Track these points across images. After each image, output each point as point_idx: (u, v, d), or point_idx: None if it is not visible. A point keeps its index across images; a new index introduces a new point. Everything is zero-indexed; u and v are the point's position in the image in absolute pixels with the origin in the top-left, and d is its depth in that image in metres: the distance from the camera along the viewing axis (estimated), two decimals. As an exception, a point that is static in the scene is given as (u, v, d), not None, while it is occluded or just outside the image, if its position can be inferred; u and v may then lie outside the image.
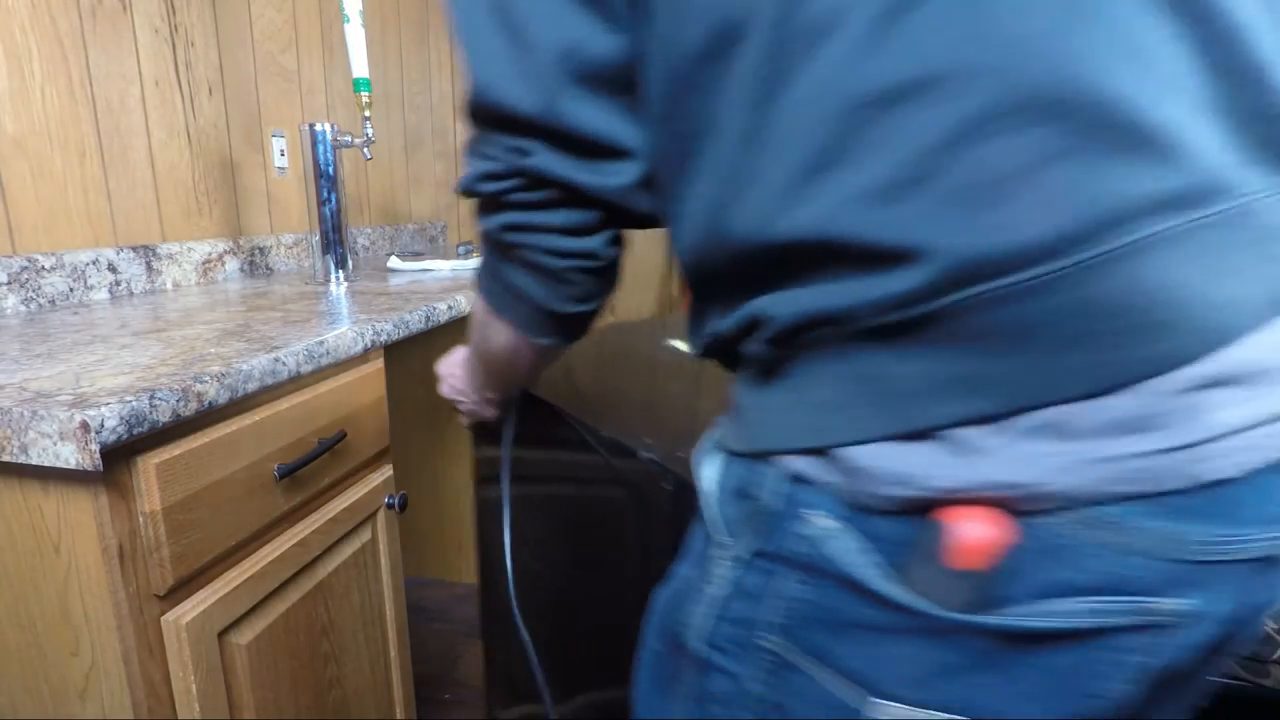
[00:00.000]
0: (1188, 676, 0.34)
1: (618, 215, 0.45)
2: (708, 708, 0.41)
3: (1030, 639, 0.32)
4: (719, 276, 0.39)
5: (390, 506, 1.01)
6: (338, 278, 1.36)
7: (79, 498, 0.59)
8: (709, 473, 0.43)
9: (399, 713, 1.08)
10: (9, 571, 0.63)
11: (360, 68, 1.28)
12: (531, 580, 0.79)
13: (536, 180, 0.42)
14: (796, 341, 0.35)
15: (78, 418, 0.54)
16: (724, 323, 0.40)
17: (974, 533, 0.31)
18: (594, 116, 0.40)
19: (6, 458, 0.56)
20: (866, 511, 0.34)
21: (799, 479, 0.36)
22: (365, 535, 0.97)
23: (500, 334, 0.54)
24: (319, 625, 0.87)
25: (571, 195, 0.43)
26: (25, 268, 1.03)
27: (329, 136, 1.31)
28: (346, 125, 1.83)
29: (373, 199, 2.04)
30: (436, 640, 1.65)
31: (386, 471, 1.02)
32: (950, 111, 0.29)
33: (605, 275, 0.49)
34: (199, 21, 1.35)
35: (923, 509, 0.32)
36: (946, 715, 0.33)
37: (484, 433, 0.83)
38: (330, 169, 1.32)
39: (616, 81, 0.40)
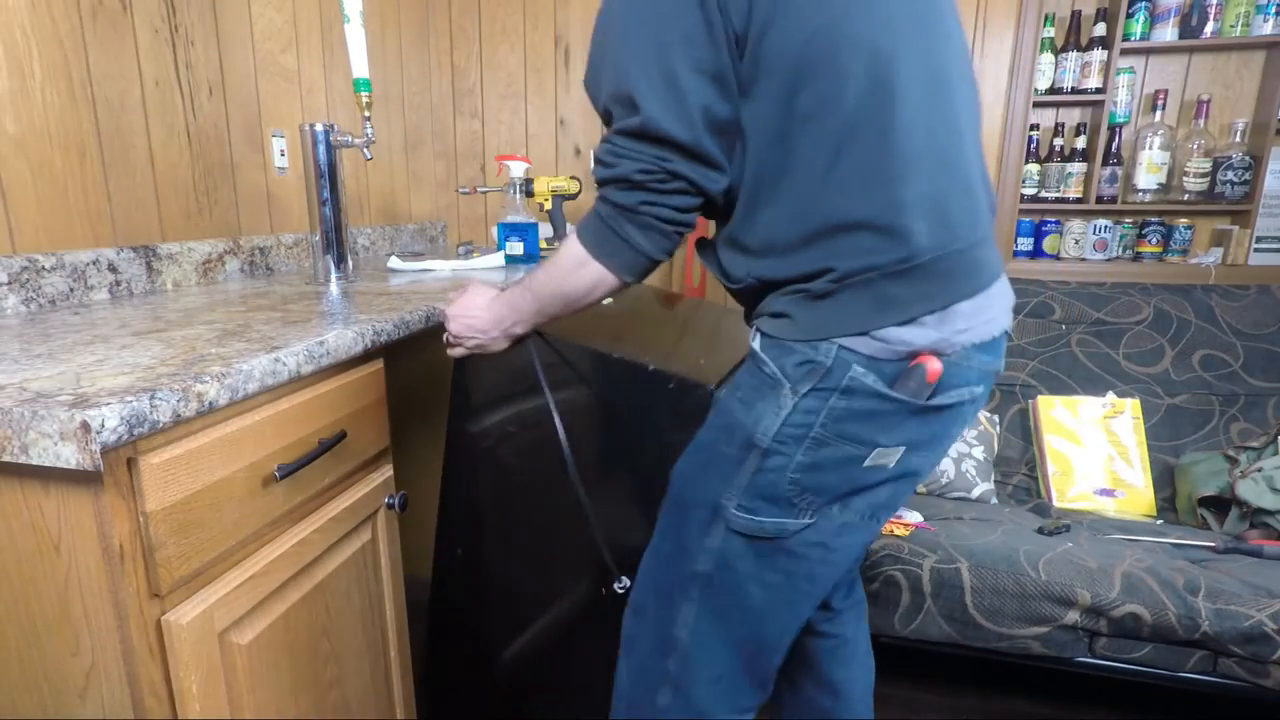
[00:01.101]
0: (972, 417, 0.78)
1: (707, 204, 0.76)
2: (763, 474, 0.73)
3: (942, 408, 0.72)
4: (795, 246, 0.70)
5: (390, 506, 1.01)
6: (338, 278, 1.36)
7: (79, 498, 0.59)
8: (772, 352, 0.73)
9: (399, 713, 1.08)
10: (9, 571, 0.63)
11: (360, 68, 1.28)
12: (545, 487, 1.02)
13: (673, 176, 0.71)
14: (848, 280, 0.68)
15: (78, 418, 0.54)
16: (787, 271, 0.71)
17: (934, 366, 0.69)
18: (715, 147, 0.71)
19: (7, 458, 0.56)
20: (877, 361, 0.69)
21: (845, 349, 0.69)
22: (365, 535, 0.97)
23: (592, 273, 0.78)
24: (319, 625, 0.87)
25: (690, 188, 0.72)
26: (25, 268, 1.03)
27: (329, 136, 1.31)
28: (346, 125, 1.83)
29: (373, 199, 2.04)
30: (436, 640, 1.65)
31: (386, 471, 1.02)
32: (926, 184, 0.69)
33: (682, 238, 0.78)
34: (199, 21, 1.35)
35: (908, 356, 0.69)
36: (900, 449, 0.72)
37: (466, 366, 1.02)
38: (330, 169, 1.32)
39: (725, 131, 0.71)
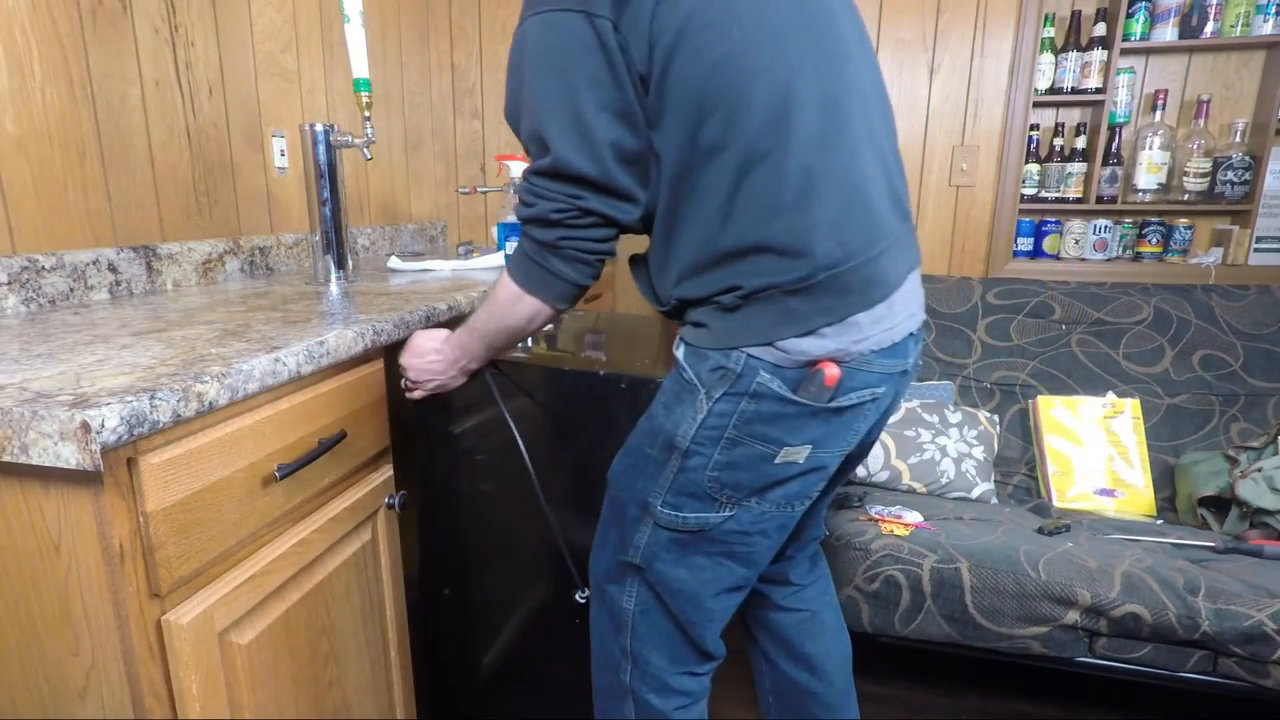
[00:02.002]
0: (876, 422, 0.84)
1: (623, 231, 0.81)
2: (684, 474, 0.80)
3: (841, 410, 0.77)
4: (705, 268, 0.76)
5: (390, 506, 1.01)
6: (338, 278, 1.36)
7: (79, 498, 0.59)
8: (690, 359, 0.79)
9: (399, 713, 1.08)
10: (9, 571, 0.63)
11: (360, 68, 1.28)
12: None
13: (586, 213, 0.76)
14: (753, 296, 0.74)
15: (78, 418, 0.54)
16: (700, 290, 0.77)
17: (832, 371, 0.73)
18: (627, 179, 0.76)
19: (7, 458, 0.56)
20: (781, 369, 0.75)
21: (753, 357, 0.75)
22: (365, 535, 0.97)
23: (528, 306, 0.83)
24: (319, 625, 0.87)
25: (605, 221, 0.78)
26: (25, 268, 1.03)
27: (329, 136, 1.31)
28: (346, 125, 1.83)
29: (373, 199, 2.04)
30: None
31: (386, 471, 1.02)
32: (824, 209, 0.73)
33: (605, 263, 0.83)
34: (199, 21, 1.35)
35: (809, 364, 0.74)
36: (808, 446, 0.78)
37: (429, 405, 1.05)
38: (330, 169, 1.32)
39: (638, 161, 0.76)
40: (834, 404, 0.76)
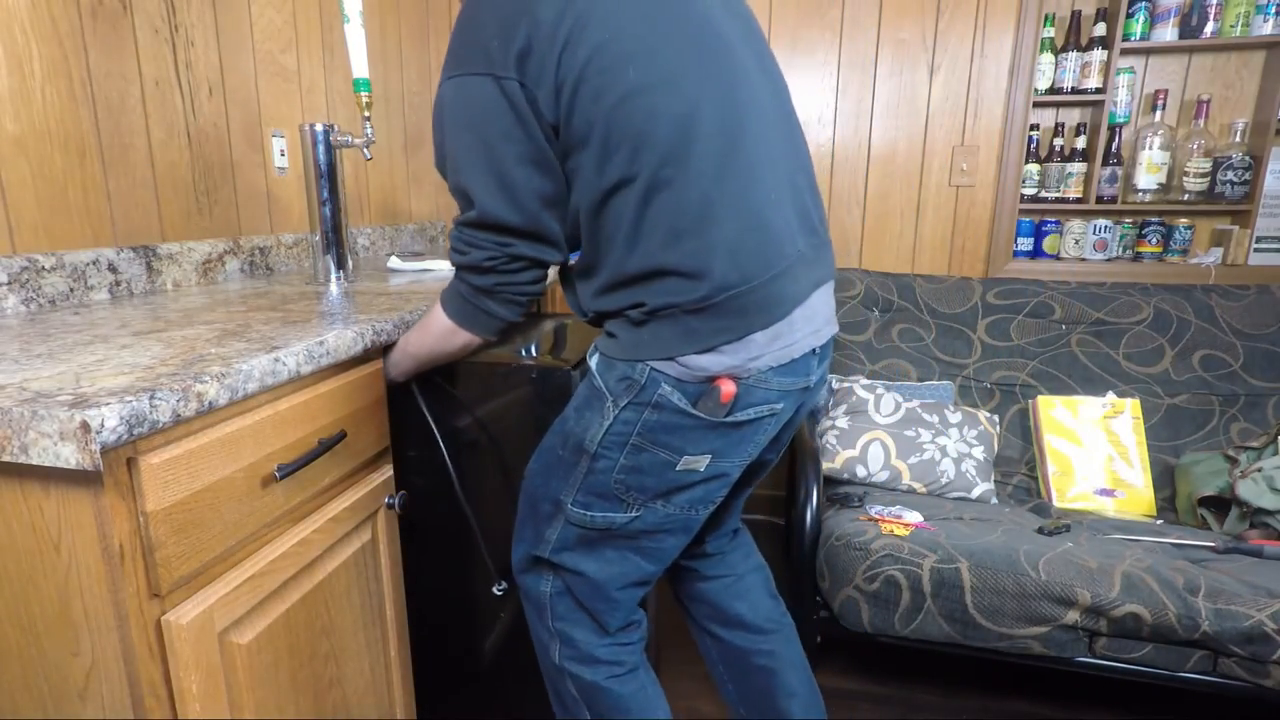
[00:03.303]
0: (775, 438, 0.92)
1: (549, 270, 0.88)
2: (593, 475, 0.85)
3: (739, 424, 0.81)
4: (616, 286, 0.81)
5: (390, 506, 1.01)
6: (338, 278, 1.36)
7: (79, 498, 0.59)
8: (601, 367, 0.84)
9: (399, 713, 1.08)
10: (9, 571, 0.63)
11: (360, 68, 1.28)
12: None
13: (516, 258, 0.83)
14: (656, 314, 0.78)
15: (78, 418, 0.54)
16: (612, 305, 0.82)
17: (728, 388, 0.78)
18: (551, 222, 0.82)
19: (6, 458, 0.56)
20: (682, 382, 0.79)
21: (656, 370, 0.79)
22: (365, 535, 0.97)
23: (462, 339, 0.91)
24: (319, 625, 0.87)
25: (534, 264, 0.85)
26: (25, 268, 1.03)
27: (329, 136, 1.31)
28: (346, 125, 1.83)
29: (373, 199, 2.04)
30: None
31: (386, 471, 1.02)
32: (722, 231, 0.77)
33: (533, 302, 0.91)
34: (199, 21, 1.35)
35: (708, 380, 0.78)
36: (708, 456, 0.82)
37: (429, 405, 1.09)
38: (330, 169, 1.32)
39: (557, 204, 0.82)
40: (731, 419, 0.80)
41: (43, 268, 1.06)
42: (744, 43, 0.82)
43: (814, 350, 0.84)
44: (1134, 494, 1.69)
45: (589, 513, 0.87)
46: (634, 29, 0.74)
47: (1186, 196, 1.93)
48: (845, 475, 1.70)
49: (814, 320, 0.83)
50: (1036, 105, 2.01)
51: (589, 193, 0.78)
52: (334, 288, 1.29)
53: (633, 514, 0.86)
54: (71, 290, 1.10)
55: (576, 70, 0.73)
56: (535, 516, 0.93)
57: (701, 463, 0.83)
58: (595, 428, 0.83)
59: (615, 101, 0.73)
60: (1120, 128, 1.98)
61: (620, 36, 0.74)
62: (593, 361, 0.86)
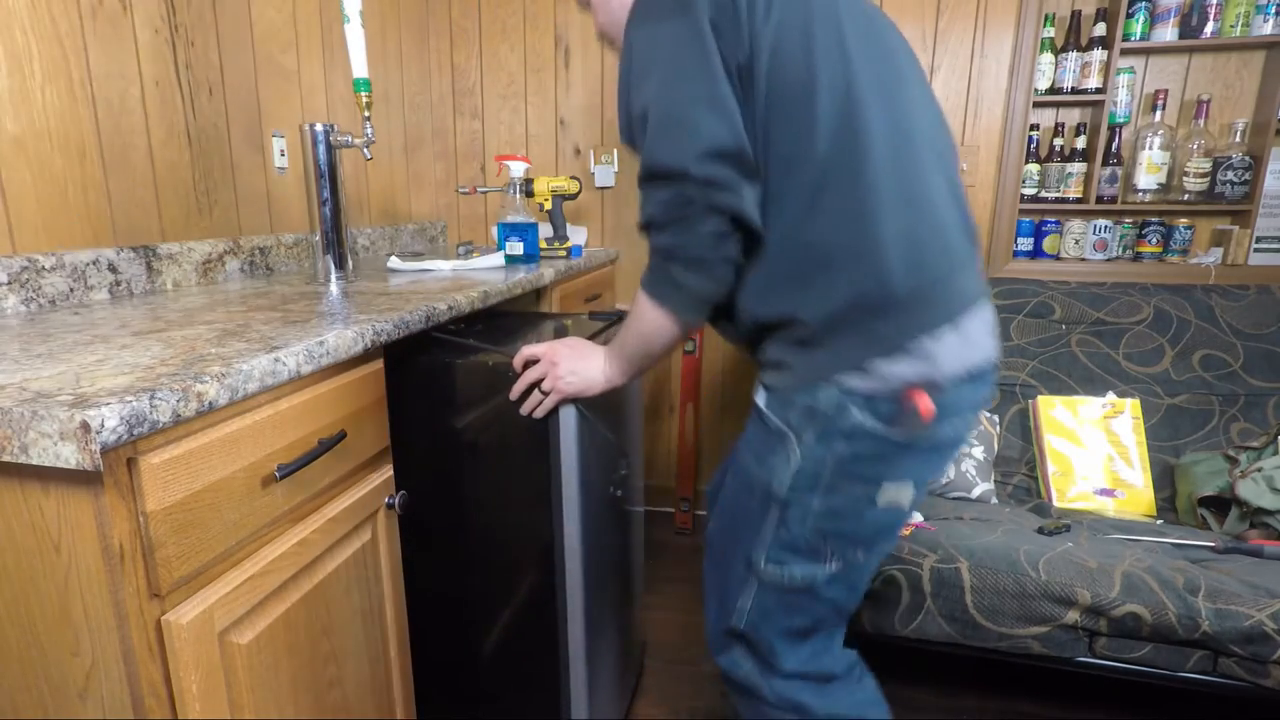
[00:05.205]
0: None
1: (740, 226, 0.77)
2: (786, 527, 0.79)
3: (939, 445, 0.76)
4: (780, 283, 0.76)
5: (390, 506, 1.01)
6: (338, 278, 1.36)
7: (79, 498, 0.59)
8: (774, 405, 0.78)
9: (399, 713, 1.08)
10: (9, 571, 0.63)
11: (360, 68, 1.28)
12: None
13: (689, 202, 0.73)
14: (833, 324, 0.74)
15: (78, 418, 0.54)
16: (779, 309, 0.76)
17: (926, 403, 0.72)
18: (728, 170, 0.73)
19: (6, 458, 0.56)
20: (873, 400, 0.72)
21: (842, 392, 0.73)
22: (365, 535, 0.97)
23: (657, 320, 0.82)
24: (319, 625, 0.87)
25: (711, 210, 0.73)
26: (25, 268, 1.03)
27: (329, 136, 1.31)
28: (346, 125, 1.83)
29: (373, 199, 2.04)
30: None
31: (386, 471, 1.02)
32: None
33: (731, 272, 0.79)
34: (199, 21, 1.35)
35: (900, 392, 0.72)
36: (909, 484, 0.77)
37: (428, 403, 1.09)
38: (330, 169, 1.32)
39: (737, 157, 0.73)
40: (931, 436, 0.74)
41: (43, 268, 1.06)
42: (902, 47, 0.82)
43: (991, 364, 0.79)
44: (1134, 494, 1.69)
45: (787, 568, 0.80)
46: (821, 14, 0.74)
47: (1186, 196, 1.93)
48: (845, 475, 1.69)
49: (987, 326, 0.78)
50: (1036, 105, 2.01)
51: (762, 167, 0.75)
52: (334, 288, 1.29)
53: (832, 568, 0.79)
54: (71, 290, 1.10)
55: (768, 36, 0.72)
56: (725, 583, 0.86)
57: (905, 494, 0.77)
58: (782, 471, 0.77)
59: (793, 80, 0.72)
60: (1120, 128, 1.98)
61: (809, 20, 0.73)
62: (761, 400, 0.80)
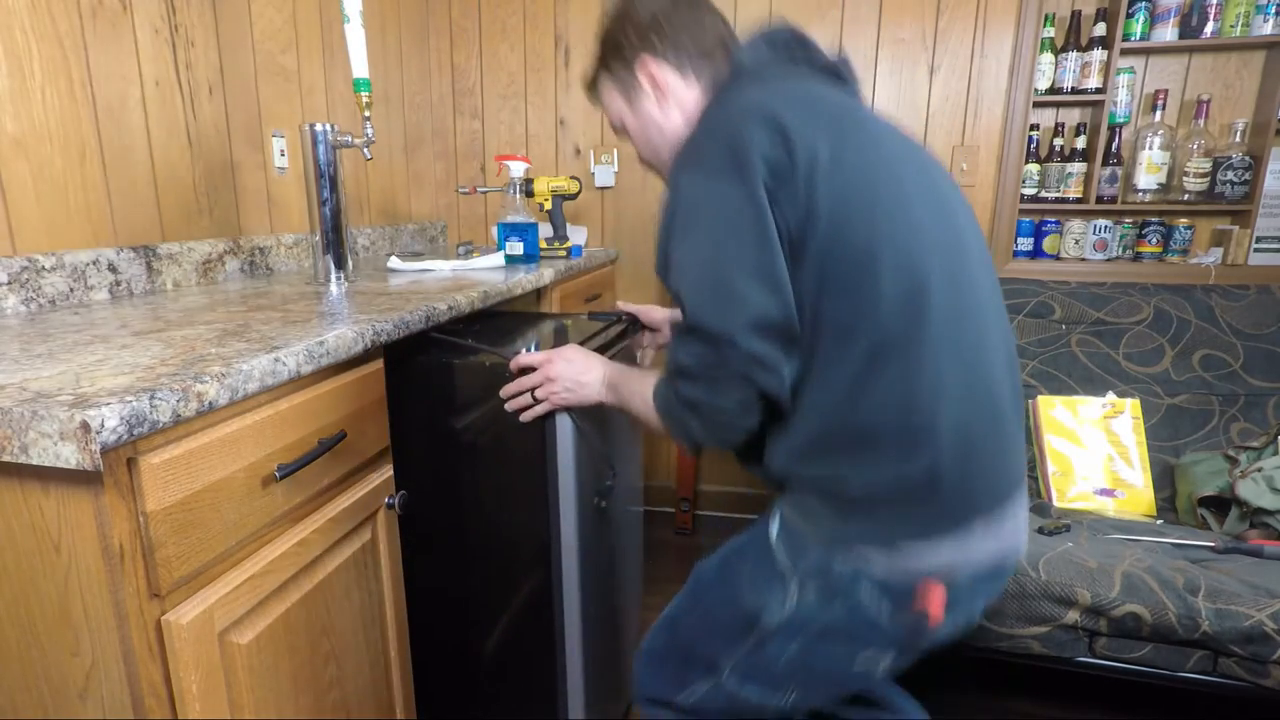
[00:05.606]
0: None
1: (767, 400, 0.75)
2: (757, 656, 0.77)
3: (933, 636, 0.74)
4: (824, 446, 0.73)
5: (390, 506, 1.01)
6: (338, 278, 1.36)
7: (79, 498, 0.59)
8: (787, 543, 0.76)
9: (399, 713, 1.08)
10: (9, 571, 0.63)
11: (360, 68, 1.28)
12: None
13: (723, 365, 0.72)
14: (871, 494, 0.71)
15: (78, 418, 0.54)
16: (814, 471, 0.74)
17: (937, 608, 0.71)
18: (767, 346, 0.71)
19: (6, 458, 0.56)
20: (888, 585, 0.70)
21: (863, 567, 0.70)
22: (365, 535, 0.97)
23: (662, 428, 0.83)
24: (319, 625, 0.87)
25: (745, 380, 0.71)
26: (25, 268, 1.03)
27: (329, 136, 1.31)
28: (346, 125, 1.83)
29: (373, 199, 2.04)
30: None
31: (386, 472, 1.02)
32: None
33: (742, 437, 0.78)
34: (199, 21, 1.35)
35: (915, 583, 0.71)
36: (890, 654, 0.75)
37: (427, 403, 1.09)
38: (330, 169, 1.32)
39: (783, 330, 0.71)
40: (930, 632, 0.73)
41: (43, 268, 1.06)
42: (963, 208, 0.79)
43: (1017, 557, 0.77)
44: (1134, 494, 1.69)
45: (742, 691, 0.80)
46: (884, 176, 0.71)
47: (1186, 196, 1.93)
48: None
49: (1022, 519, 0.76)
50: (1036, 105, 2.01)
51: (810, 331, 0.71)
52: (334, 288, 1.29)
53: (788, 700, 0.79)
54: (71, 290, 1.10)
55: (828, 201, 0.68)
56: (685, 660, 0.85)
57: (885, 659, 0.75)
58: (774, 609, 0.75)
59: (858, 244, 0.69)
60: (1120, 128, 1.98)
61: (873, 183, 0.70)
62: (773, 531, 0.77)
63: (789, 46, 0.83)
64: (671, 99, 0.87)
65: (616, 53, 0.90)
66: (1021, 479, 0.77)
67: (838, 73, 0.84)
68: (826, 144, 0.69)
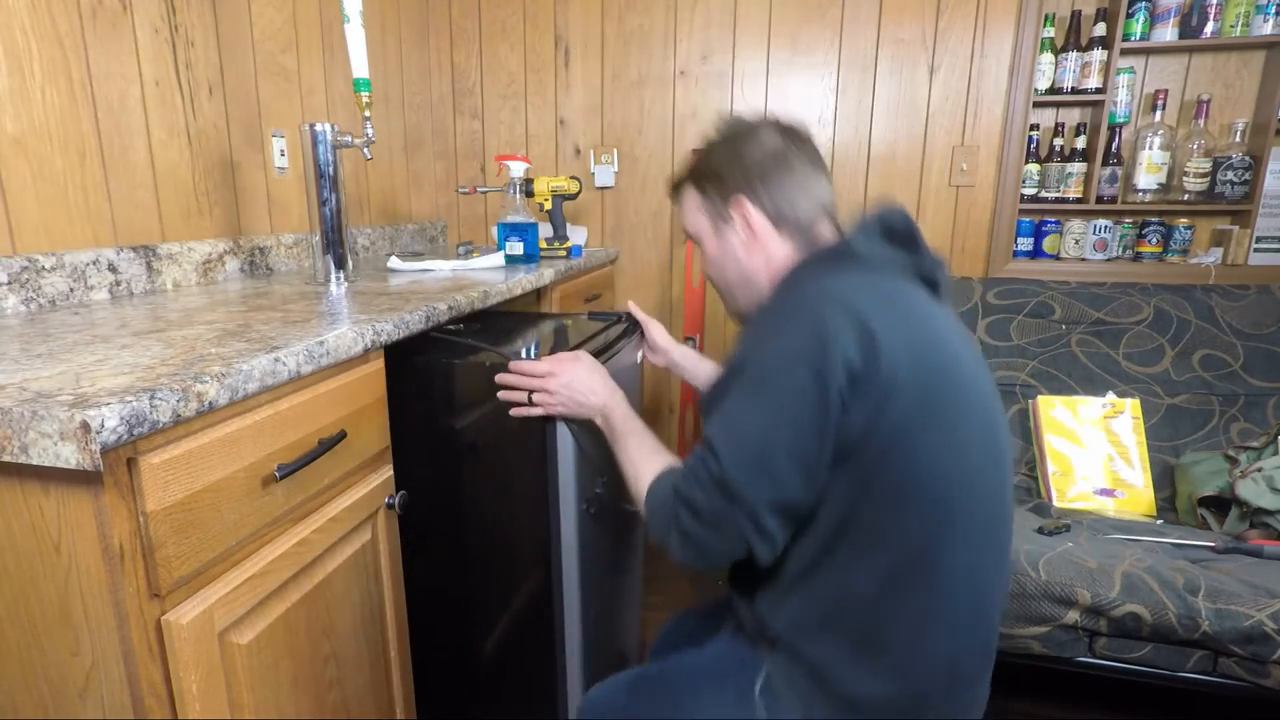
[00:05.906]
0: None
1: (750, 558, 0.78)
2: None
3: None
4: (817, 633, 0.76)
5: (390, 506, 1.01)
6: (338, 278, 1.36)
7: (79, 498, 0.59)
8: (769, 699, 0.78)
9: (399, 713, 1.08)
10: (9, 571, 0.63)
11: (360, 68, 1.28)
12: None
13: (728, 520, 0.74)
14: (859, 697, 0.74)
15: (78, 418, 0.54)
16: (800, 642, 0.77)
17: None
18: (778, 525, 0.74)
19: (6, 458, 0.56)
20: None
21: None
22: (365, 535, 0.97)
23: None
24: (319, 625, 0.87)
25: (739, 540, 0.74)
26: (25, 268, 1.03)
27: (329, 136, 1.31)
28: (346, 125, 1.83)
29: (373, 199, 2.04)
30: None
31: (386, 472, 1.02)
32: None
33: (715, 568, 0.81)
34: (199, 21, 1.35)
35: None
36: None
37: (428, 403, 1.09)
38: (330, 169, 1.32)
39: (795, 514, 0.73)
40: None
41: (43, 268, 1.06)
42: (1000, 415, 0.78)
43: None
44: (1134, 494, 1.69)
45: None
46: (949, 405, 0.71)
47: (1186, 196, 1.93)
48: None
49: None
50: (1036, 105, 2.01)
51: (838, 519, 0.72)
52: (334, 288, 1.29)
53: None
54: (71, 290, 1.10)
55: (894, 426, 0.69)
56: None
57: None
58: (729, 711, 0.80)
59: (908, 471, 0.70)
60: (1120, 128, 1.98)
61: (939, 411, 0.70)
62: (758, 684, 0.80)
63: (903, 240, 0.82)
64: (759, 243, 0.86)
65: (716, 180, 0.88)
66: (983, 698, 0.80)
67: (934, 279, 0.82)
68: (908, 363, 0.69)
